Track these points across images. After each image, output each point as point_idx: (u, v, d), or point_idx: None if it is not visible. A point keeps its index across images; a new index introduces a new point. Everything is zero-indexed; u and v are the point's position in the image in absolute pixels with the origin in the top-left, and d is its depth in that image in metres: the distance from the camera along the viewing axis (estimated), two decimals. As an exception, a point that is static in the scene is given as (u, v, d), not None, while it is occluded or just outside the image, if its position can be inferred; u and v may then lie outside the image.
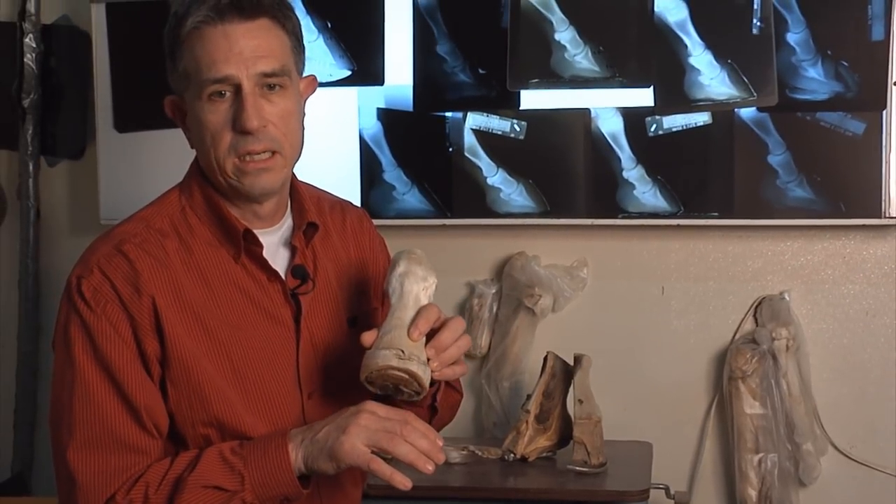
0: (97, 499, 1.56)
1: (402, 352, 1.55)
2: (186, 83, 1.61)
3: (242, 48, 1.57)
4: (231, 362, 1.62)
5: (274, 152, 1.60)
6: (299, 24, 1.66)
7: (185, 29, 1.58)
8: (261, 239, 1.66)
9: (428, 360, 1.58)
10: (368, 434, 1.53)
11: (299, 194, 1.72)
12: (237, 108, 1.57)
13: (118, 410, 1.57)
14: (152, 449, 1.60)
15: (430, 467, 1.54)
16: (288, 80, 1.61)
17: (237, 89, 1.58)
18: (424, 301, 1.61)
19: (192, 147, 1.67)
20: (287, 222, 1.71)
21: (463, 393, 1.92)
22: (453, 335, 1.61)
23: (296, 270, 1.68)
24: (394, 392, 1.59)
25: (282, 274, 1.68)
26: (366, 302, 1.79)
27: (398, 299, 1.60)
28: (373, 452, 1.54)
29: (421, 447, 1.53)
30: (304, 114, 1.68)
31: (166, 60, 1.65)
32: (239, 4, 1.57)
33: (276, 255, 1.69)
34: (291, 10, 1.65)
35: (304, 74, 1.70)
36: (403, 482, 1.54)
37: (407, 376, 1.55)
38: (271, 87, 1.59)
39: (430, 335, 1.60)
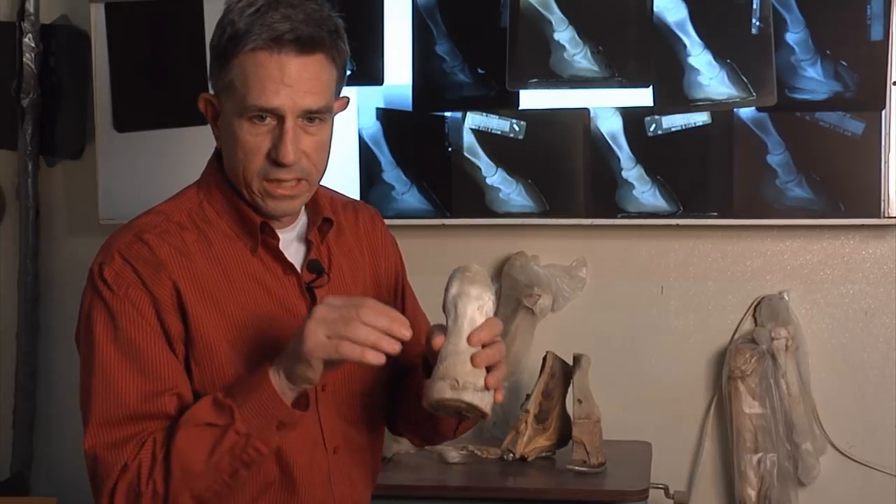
0: (113, 468, 1.57)
1: (457, 381, 1.54)
2: (229, 94, 1.62)
3: (293, 82, 1.58)
4: (248, 349, 1.64)
5: (301, 179, 1.64)
6: (348, 54, 1.67)
7: (241, 48, 1.59)
8: (277, 234, 1.69)
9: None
10: (326, 325, 1.50)
11: (314, 193, 1.73)
12: (276, 137, 1.60)
13: (137, 390, 1.59)
14: (167, 424, 1.60)
15: (395, 347, 1.50)
16: (328, 115, 1.65)
17: (280, 119, 1.60)
18: (480, 320, 1.58)
19: (218, 146, 1.70)
20: (302, 219, 1.74)
21: None
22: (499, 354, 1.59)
23: (311, 265, 1.71)
24: (459, 415, 1.60)
25: (297, 268, 1.70)
26: (379, 298, 1.80)
27: (453, 322, 1.58)
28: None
29: (380, 325, 1.50)
30: (332, 132, 1.70)
31: (211, 59, 1.65)
32: (299, 41, 1.58)
33: (292, 250, 1.72)
34: (345, 40, 1.66)
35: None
36: (376, 357, 1.50)
37: (464, 405, 1.54)
38: (311, 119, 1.62)
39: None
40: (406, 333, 1.51)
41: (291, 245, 1.72)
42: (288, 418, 1.55)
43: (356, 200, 1.90)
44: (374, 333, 1.49)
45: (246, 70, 1.59)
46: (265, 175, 1.62)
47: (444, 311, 1.61)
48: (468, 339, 1.55)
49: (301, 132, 1.61)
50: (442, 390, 1.54)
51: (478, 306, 1.58)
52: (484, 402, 1.55)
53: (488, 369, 1.57)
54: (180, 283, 1.62)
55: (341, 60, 1.65)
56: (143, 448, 1.57)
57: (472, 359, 1.55)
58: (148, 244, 1.63)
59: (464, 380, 1.54)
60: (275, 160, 1.60)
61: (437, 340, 1.57)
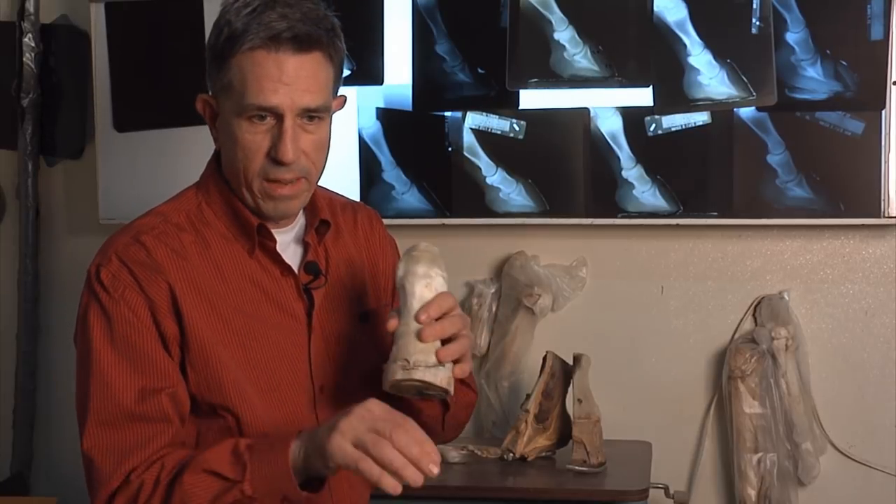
0: (114, 475, 1.57)
1: (407, 361, 1.53)
2: (228, 94, 1.63)
3: (291, 80, 1.59)
4: (245, 351, 1.65)
5: (300, 177, 1.64)
6: (345, 52, 1.68)
7: (238, 47, 1.59)
8: (275, 236, 1.69)
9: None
10: (357, 433, 1.46)
11: (312, 195, 1.74)
12: (275, 136, 1.61)
13: (133, 390, 1.59)
14: (166, 427, 1.60)
15: (418, 479, 1.45)
16: (327, 114, 1.65)
17: (279, 118, 1.60)
18: (430, 297, 1.57)
19: (217, 147, 1.70)
20: (300, 221, 1.75)
21: (478, 393, 1.93)
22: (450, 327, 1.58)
23: (308, 266, 1.72)
24: (422, 395, 1.59)
25: (295, 269, 1.70)
26: (377, 299, 1.82)
27: (403, 304, 1.58)
28: None
29: (410, 454, 1.44)
30: (330, 131, 1.70)
31: (208, 61, 1.66)
32: (296, 39, 1.58)
33: (290, 251, 1.72)
34: (341, 38, 1.66)
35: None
36: (393, 486, 1.45)
37: (419, 384, 1.54)
38: (311, 118, 1.63)
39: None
40: (434, 470, 1.45)
41: (289, 247, 1.72)
42: (294, 496, 1.53)
43: (355, 202, 1.90)
44: (399, 459, 1.43)
45: (244, 69, 1.59)
46: (265, 175, 1.63)
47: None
48: (416, 317, 1.54)
49: (300, 131, 1.62)
50: (394, 372, 1.53)
51: (425, 284, 1.57)
52: (439, 378, 1.53)
53: (445, 343, 1.55)
54: (176, 286, 1.62)
55: (338, 59, 1.66)
56: (149, 468, 1.57)
57: (420, 335, 1.54)
58: (145, 246, 1.64)
59: (414, 359, 1.53)
60: (274, 159, 1.61)
61: (392, 324, 1.56)
